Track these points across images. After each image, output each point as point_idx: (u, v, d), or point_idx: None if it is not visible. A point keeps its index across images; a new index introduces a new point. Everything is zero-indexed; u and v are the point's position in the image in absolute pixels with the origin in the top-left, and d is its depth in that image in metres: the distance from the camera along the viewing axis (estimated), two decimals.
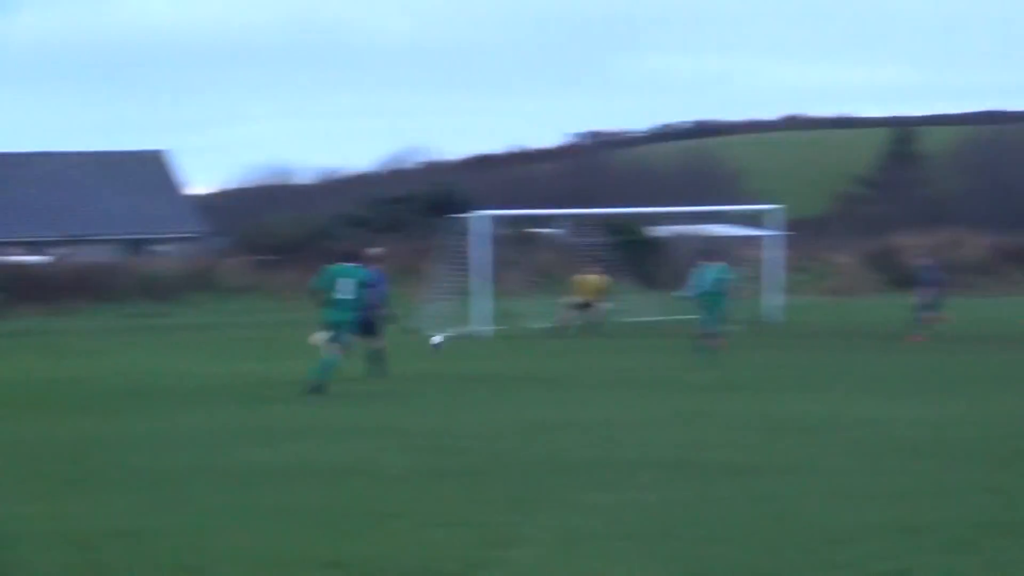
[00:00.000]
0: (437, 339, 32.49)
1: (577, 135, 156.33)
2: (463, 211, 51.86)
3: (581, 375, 26.51)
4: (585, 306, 40.08)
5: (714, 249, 46.62)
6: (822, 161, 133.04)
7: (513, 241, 50.85)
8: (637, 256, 49.48)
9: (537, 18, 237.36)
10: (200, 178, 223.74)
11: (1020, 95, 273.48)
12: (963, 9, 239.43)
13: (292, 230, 61.91)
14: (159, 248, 71.08)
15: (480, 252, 40.78)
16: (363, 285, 23.51)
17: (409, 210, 67.90)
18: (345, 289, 23.20)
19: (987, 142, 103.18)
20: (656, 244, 57.74)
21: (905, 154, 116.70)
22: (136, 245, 71.47)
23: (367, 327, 25.30)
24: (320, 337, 23.77)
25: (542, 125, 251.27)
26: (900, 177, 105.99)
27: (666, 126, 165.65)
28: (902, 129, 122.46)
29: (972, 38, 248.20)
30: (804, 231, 77.69)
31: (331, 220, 65.03)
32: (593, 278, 40.45)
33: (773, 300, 44.44)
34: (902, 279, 63.03)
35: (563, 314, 40.08)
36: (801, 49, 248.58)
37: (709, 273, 30.56)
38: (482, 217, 41.98)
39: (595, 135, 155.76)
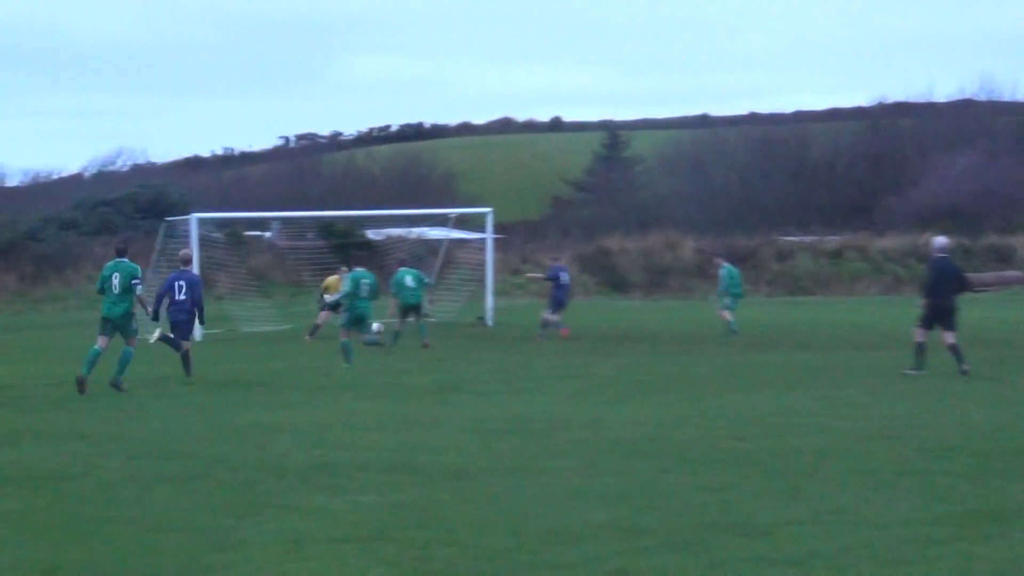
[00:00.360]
0: (154, 337, 32.03)
1: (290, 138, 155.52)
2: (176, 214, 51.21)
3: (296, 378, 26.31)
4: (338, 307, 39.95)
5: (420, 253, 47.12)
6: (535, 165, 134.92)
7: (227, 244, 50.31)
8: (355, 259, 49.37)
9: (248, 19, 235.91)
10: None
11: (726, 100, 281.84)
12: (671, 15, 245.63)
13: (0, 232, 60.15)
14: None
15: (195, 255, 40.16)
16: (134, 281, 24.08)
17: (120, 213, 66.65)
18: (116, 285, 24.06)
19: (694, 146, 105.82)
20: (372, 247, 57.71)
21: (616, 158, 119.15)
22: None
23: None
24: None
25: (254, 128, 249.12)
26: (612, 181, 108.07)
27: (379, 129, 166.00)
28: (613, 133, 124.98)
29: (680, 44, 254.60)
30: (518, 234, 78.77)
31: (41, 222, 63.36)
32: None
33: (486, 303, 44.84)
34: (616, 281, 64.53)
35: (322, 315, 39.86)
36: (512, 53, 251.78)
37: (356, 276, 31.10)
38: (195, 219, 41.41)
39: (308, 137, 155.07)
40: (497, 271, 50.72)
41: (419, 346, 33.55)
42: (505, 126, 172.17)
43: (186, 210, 56.09)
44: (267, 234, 67.62)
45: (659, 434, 17.37)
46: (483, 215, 47.68)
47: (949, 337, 25.64)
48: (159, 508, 12.74)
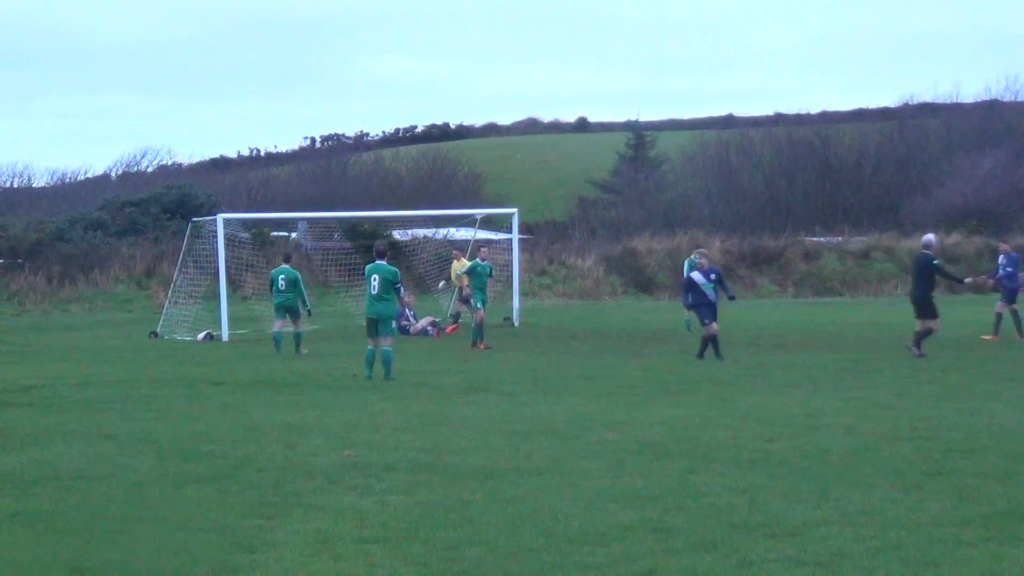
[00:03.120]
0: (200, 336, 32.46)
1: (316, 138, 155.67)
2: (202, 214, 51.28)
3: (322, 379, 26.34)
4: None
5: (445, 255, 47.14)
6: (561, 165, 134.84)
7: (253, 244, 50.35)
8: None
9: (273, 20, 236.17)
10: None
11: (752, 100, 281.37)
12: (697, 15, 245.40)
13: (28, 233, 60.30)
14: None
15: (221, 255, 40.29)
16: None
17: (147, 213, 66.79)
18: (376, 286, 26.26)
19: (720, 146, 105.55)
20: (397, 248, 57.77)
21: (642, 158, 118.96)
22: None
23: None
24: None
25: (280, 129, 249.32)
26: (638, 181, 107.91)
27: (405, 129, 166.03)
28: (638, 134, 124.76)
29: (705, 44, 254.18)
30: (544, 235, 78.73)
31: (67, 223, 63.49)
32: None
33: (513, 303, 44.79)
34: (643, 282, 64.43)
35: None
36: (538, 53, 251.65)
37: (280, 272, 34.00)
38: (221, 220, 41.46)
39: (334, 138, 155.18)
40: (523, 271, 50.69)
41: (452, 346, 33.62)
42: (531, 126, 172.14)
43: (212, 210, 56.23)
44: (294, 234, 67.62)
45: (686, 435, 17.35)
46: (509, 215, 47.65)
47: (918, 324, 29.67)
48: (187, 508, 12.77)
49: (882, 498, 12.89)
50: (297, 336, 33.72)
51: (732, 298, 31.36)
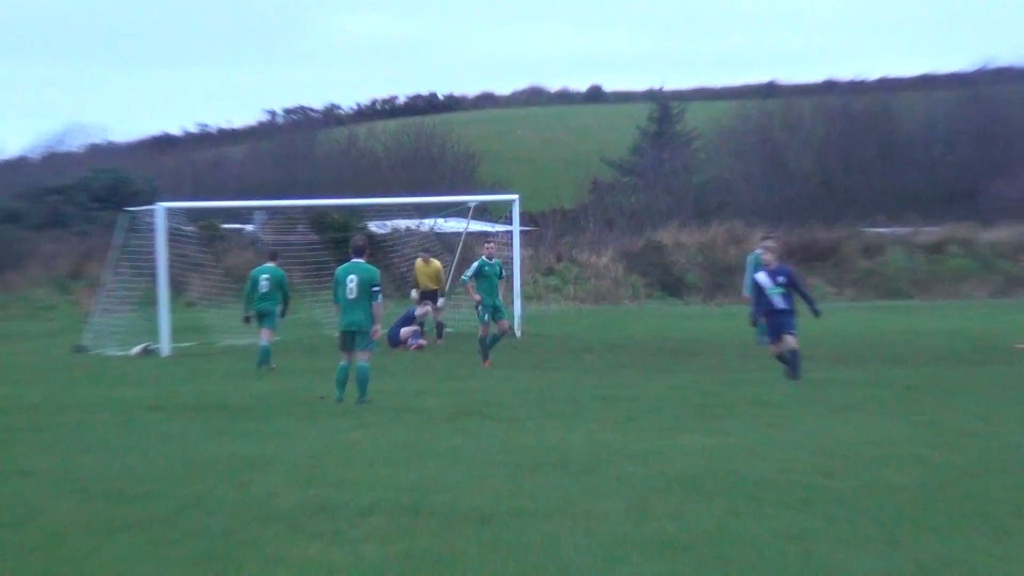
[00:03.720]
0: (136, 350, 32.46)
1: (276, 112, 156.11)
2: (140, 203, 51.26)
3: (283, 402, 26.30)
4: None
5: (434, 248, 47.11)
6: (570, 143, 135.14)
7: (200, 239, 50.40)
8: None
9: None
10: None
11: (798, 65, 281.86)
12: None
13: None
14: None
15: (162, 253, 40.27)
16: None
17: (72, 202, 66.92)
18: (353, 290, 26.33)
19: (761, 119, 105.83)
20: (374, 243, 57.79)
21: (668, 134, 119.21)
22: None
23: None
24: None
25: (234, 101, 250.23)
26: (663, 162, 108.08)
27: (383, 101, 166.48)
28: (663, 105, 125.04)
29: None
30: (550, 226, 78.77)
31: None
32: None
33: (513, 309, 44.76)
34: (670, 282, 64.47)
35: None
36: (542, 10, 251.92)
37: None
38: (162, 210, 41.42)
39: (298, 112, 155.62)
40: (526, 271, 50.70)
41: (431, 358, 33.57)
42: (534, 97, 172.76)
43: (151, 199, 56.19)
44: (249, 227, 67.75)
45: (725, 469, 17.26)
46: (508, 203, 47.63)
47: None
48: (118, 562, 12.66)
49: (965, 545, 12.81)
50: (264, 350, 33.89)
51: (817, 313, 29.62)
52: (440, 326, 41.96)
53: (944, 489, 15.64)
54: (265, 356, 33.81)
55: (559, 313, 54.62)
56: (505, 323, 34.90)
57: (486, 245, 36.63)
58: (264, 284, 34.31)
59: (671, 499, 15.28)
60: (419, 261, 42.94)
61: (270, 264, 34.97)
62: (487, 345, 34.53)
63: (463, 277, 36.93)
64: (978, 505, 14.66)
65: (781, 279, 29.29)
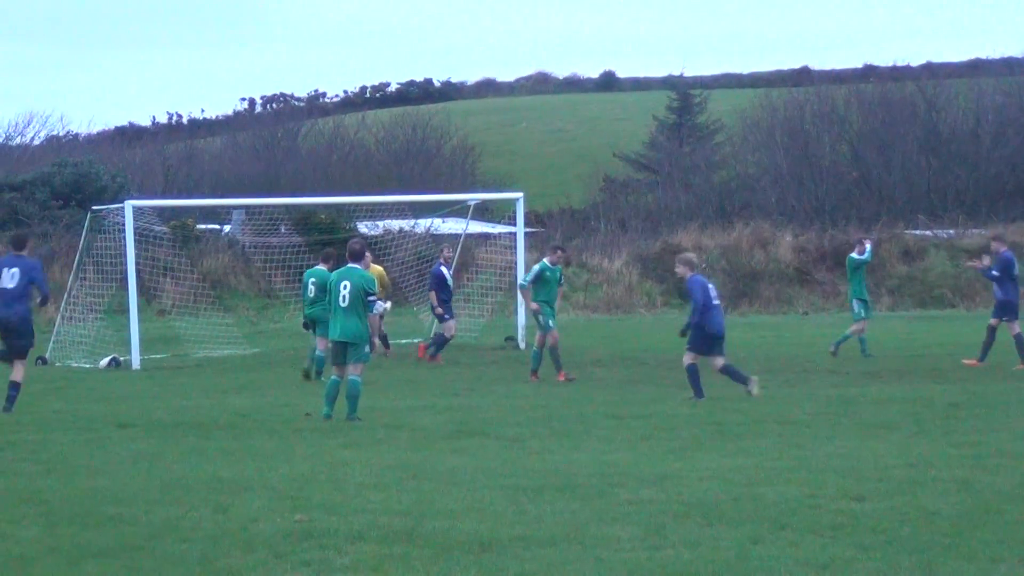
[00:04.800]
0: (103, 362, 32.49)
1: (256, 100, 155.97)
2: (106, 200, 51.35)
3: (266, 419, 26.33)
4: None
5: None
6: (580, 135, 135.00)
7: (173, 240, 50.45)
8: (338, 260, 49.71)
9: None
10: None
11: (833, 50, 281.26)
12: None
13: None
14: None
15: (131, 256, 40.32)
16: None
17: (31, 200, 66.87)
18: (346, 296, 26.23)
19: (791, 109, 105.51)
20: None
21: (687, 125, 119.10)
22: None
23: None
24: None
25: (209, 88, 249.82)
26: (682, 156, 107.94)
27: (374, 89, 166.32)
28: (682, 93, 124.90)
29: None
30: (558, 227, 78.75)
31: None
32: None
33: (517, 319, 44.69)
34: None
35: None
36: None
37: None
38: (130, 208, 41.45)
39: (280, 100, 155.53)
40: None
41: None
42: (540, 84, 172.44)
43: (119, 196, 56.30)
44: (226, 227, 67.72)
45: (748, 492, 17.36)
46: (511, 202, 47.68)
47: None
48: None
49: None
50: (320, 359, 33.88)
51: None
52: (384, 336, 41.38)
53: (985, 516, 15.71)
54: (321, 364, 33.64)
55: (567, 323, 54.52)
56: (555, 334, 34.40)
57: (556, 252, 35.59)
58: (312, 289, 34.08)
59: (688, 525, 15.38)
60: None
61: (320, 267, 34.42)
62: (534, 357, 34.29)
63: (521, 282, 36.50)
64: (1021, 533, 14.76)
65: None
